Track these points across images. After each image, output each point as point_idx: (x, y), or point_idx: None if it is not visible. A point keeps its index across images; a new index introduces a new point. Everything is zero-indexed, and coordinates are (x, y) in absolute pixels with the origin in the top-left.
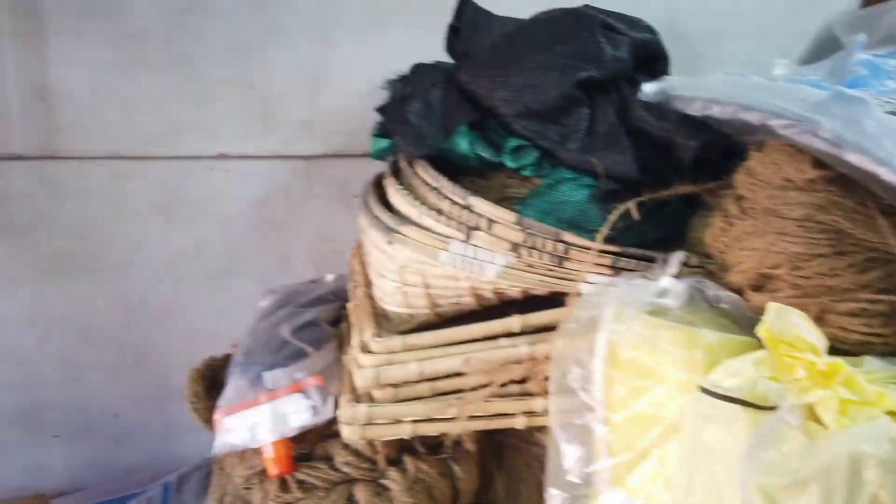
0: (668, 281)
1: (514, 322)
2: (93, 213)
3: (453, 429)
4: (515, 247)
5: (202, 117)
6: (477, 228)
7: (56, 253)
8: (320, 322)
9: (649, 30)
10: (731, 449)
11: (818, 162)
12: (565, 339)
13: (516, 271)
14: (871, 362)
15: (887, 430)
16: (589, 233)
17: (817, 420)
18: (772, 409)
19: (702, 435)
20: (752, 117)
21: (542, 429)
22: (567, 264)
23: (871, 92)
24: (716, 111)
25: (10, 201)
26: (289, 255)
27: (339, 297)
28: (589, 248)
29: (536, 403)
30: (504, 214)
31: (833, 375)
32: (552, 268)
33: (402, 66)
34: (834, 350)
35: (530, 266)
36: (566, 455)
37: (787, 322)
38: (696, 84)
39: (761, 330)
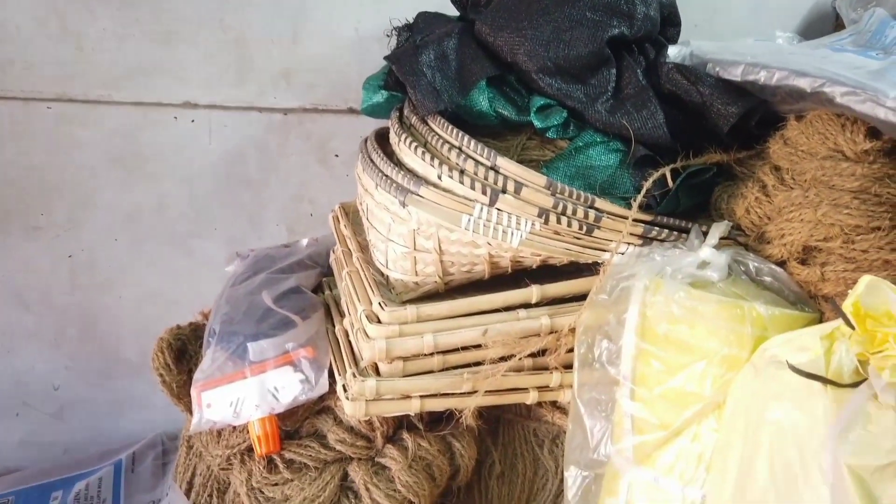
0: (708, 252)
1: (533, 292)
2: (37, 162)
3: (463, 404)
4: (543, 212)
5: (167, 59)
6: (503, 191)
7: None
8: (303, 289)
9: None
10: (805, 428)
11: (873, 132)
12: (593, 311)
13: (541, 238)
14: None
15: None
16: (619, 200)
17: None
18: (854, 386)
19: (765, 413)
20: (805, 83)
21: (541, 404)
22: (597, 233)
23: None
24: (762, 76)
25: None
26: (260, 217)
27: (317, 263)
28: (624, 217)
29: (551, 378)
30: (534, 177)
31: None
32: (580, 236)
33: (396, 14)
34: None
35: (557, 233)
36: (589, 431)
37: (880, 295)
38: (729, 48)
39: (848, 303)
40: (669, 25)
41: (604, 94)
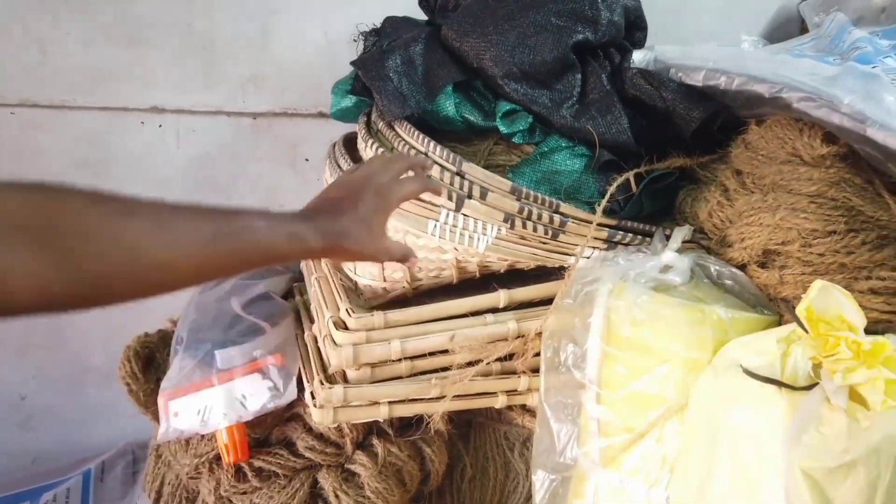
0: (671, 256)
1: (500, 297)
2: (2, 168)
3: (432, 409)
4: (509, 217)
5: (133, 64)
6: (469, 196)
7: None
8: (273, 295)
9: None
10: (762, 431)
11: (828, 137)
12: (559, 315)
13: (507, 243)
14: (894, 340)
15: None
16: (584, 204)
17: (859, 400)
18: (808, 388)
19: (724, 416)
20: (763, 89)
21: (511, 407)
22: (562, 237)
23: (879, 68)
24: (722, 81)
25: None
26: None
27: (287, 267)
28: (588, 221)
29: (520, 382)
30: (499, 183)
31: (877, 355)
32: (545, 240)
33: (365, 19)
34: None
35: (522, 238)
36: (556, 435)
37: (831, 299)
38: (692, 53)
39: (801, 308)
40: (636, 30)
41: (569, 100)
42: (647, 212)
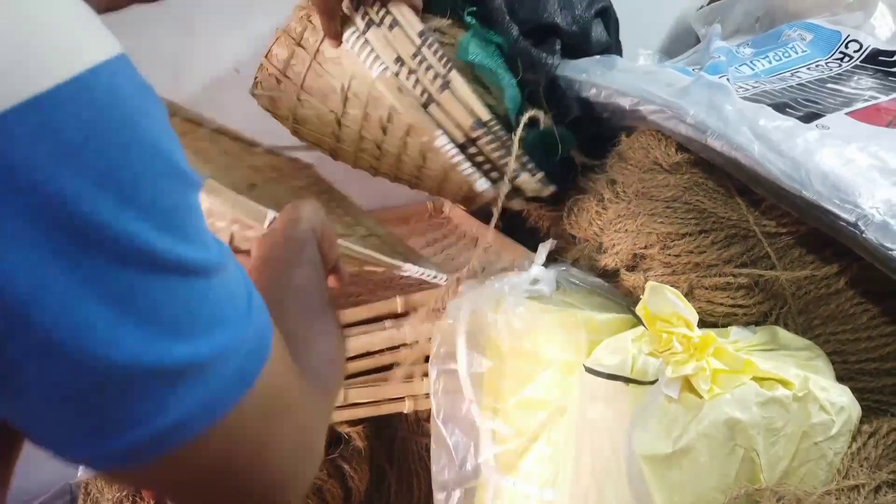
0: (537, 270)
1: (398, 303)
2: None
3: (339, 416)
4: (399, 60)
5: None
6: (378, 24)
7: None
8: None
9: None
10: (615, 424)
11: (682, 146)
12: (441, 335)
13: (386, 88)
14: (737, 332)
15: (755, 396)
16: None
17: (693, 391)
18: (652, 383)
19: (586, 413)
20: (625, 102)
21: (430, 419)
22: (432, 108)
23: (728, 77)
24: (592, 93)
25: None
26: None
27: None
28: (466, 105)
29: (423, 385)
30: (410, 24)
31: (705, 347)
32: (420, 100)
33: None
34: (703, 323)
35: (400, 90)
36: (453, 449)
37: (662, 299)
38: (576, 66)
39: (639, 307)
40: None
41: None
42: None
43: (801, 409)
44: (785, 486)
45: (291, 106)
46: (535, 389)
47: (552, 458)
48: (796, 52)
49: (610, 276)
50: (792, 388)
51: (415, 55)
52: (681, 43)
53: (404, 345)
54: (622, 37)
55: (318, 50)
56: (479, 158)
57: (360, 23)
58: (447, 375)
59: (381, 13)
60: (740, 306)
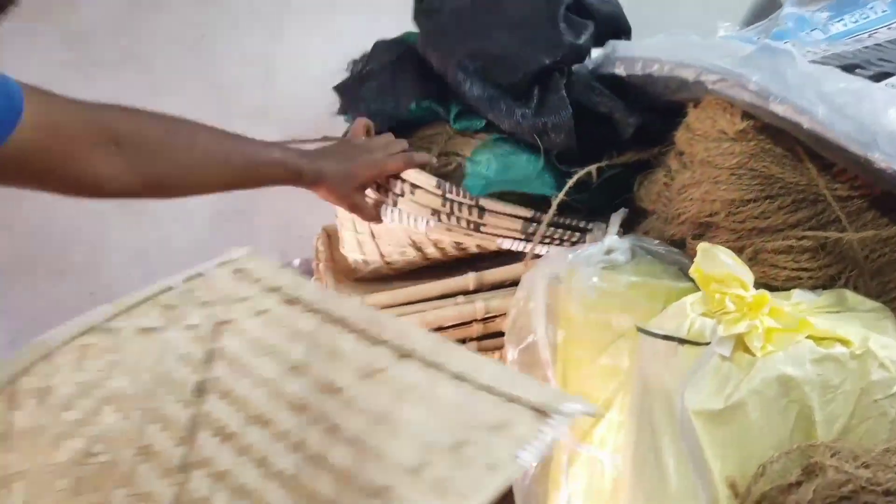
0: (611, 240)
1: (470, 279)
2: (55, 214)
3: None
4: (436, 212)
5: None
6: (402, 195)
7: (19, 254)
8: None
9: (616, 3)
10: (670, 385)
11: (748, 113)
12: (518, 307)
13: (443, 230)
14: (799, 295)
15: (809, 353)
16: (541, 196)
17: (747, 350)
18: (707, 344)
19: (644, 376)
20: (687, 73)
21: None
22: (484, 229)
23: (796, 43)
24: (655, 69)
25: None
26: (254, 243)
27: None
28: (507, 214)
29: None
30: (426, 180)
31: (759, 306)
32: (470, 233)
33: (353, 51)
34: (768, 287)
35: (449, 231)
36: None
37: (715, 260)
38: (637, 46)
39: (693, 270)
40: (619, 34)
41: (526, 108)
42: (601, 205)
43: (859, 367)
44: (841, 442)
45: (378, 267)
46: (609, 358)
47: (622, 425)
48: (875, 14)
49: (678, 245)
50: (850, 346)
51: (444, 202)
52: (763, 16)
53: (475, 320)
54: (708, 8)
55: (371, 232)
56: (548, 241)
57: (389, 200)
58: (523, 349)
59: (400, 185)
60: (805, 269)
